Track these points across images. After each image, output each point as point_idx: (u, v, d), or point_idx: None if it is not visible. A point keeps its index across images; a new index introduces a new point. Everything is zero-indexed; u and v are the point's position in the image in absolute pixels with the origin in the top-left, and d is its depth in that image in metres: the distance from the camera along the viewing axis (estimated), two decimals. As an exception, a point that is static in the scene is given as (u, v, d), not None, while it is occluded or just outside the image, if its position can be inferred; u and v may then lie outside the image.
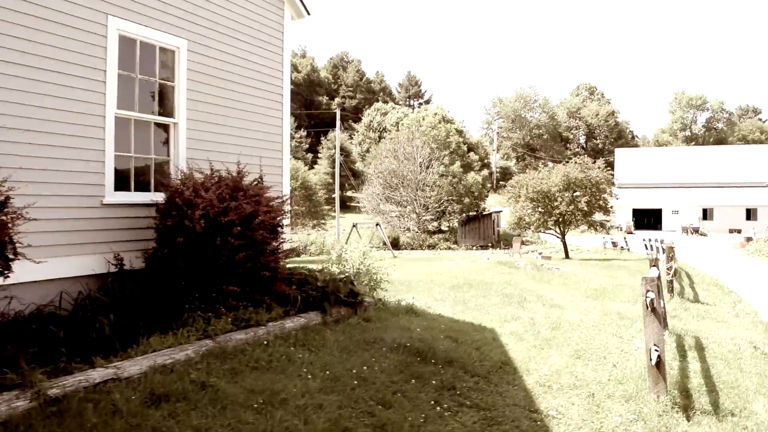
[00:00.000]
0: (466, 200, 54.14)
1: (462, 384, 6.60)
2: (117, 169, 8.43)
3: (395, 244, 54.46)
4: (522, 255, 26.61)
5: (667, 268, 14.46)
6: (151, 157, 9.00)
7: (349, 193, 74.26)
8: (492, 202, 64.50)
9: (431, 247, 53.81)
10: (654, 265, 10.46)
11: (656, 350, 6.82)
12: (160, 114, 9.10)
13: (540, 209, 32.91)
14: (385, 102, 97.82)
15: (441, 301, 12.69)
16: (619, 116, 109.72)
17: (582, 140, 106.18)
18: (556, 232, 34.46)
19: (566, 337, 9.77)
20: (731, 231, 54.42)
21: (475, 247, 53.63)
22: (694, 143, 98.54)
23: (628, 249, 38.61)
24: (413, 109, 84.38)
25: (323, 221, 45.27)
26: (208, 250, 7.56)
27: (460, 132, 62.65)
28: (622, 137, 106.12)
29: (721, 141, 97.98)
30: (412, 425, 5.38)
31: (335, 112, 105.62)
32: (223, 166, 8.73)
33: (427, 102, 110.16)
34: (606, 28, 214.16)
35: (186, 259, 7.62)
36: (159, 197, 8.28)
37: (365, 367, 6.67)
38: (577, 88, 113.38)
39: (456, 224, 58.21)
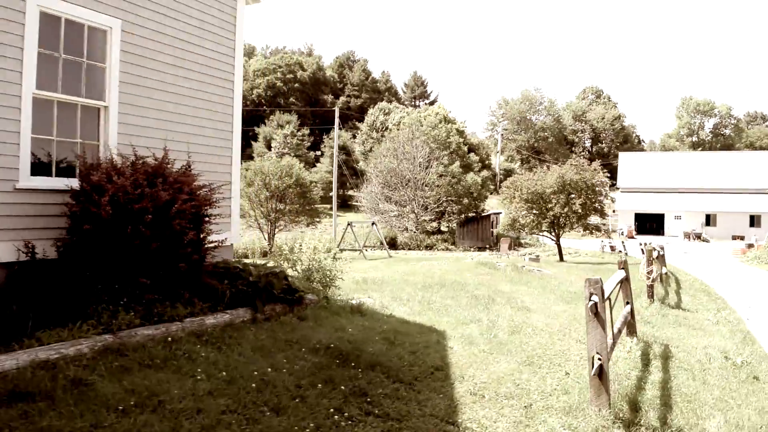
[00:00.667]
0: (465, 201, 53.46)
1: (377, 390, 5.95)
2: (35, 152, 7.84)
3: (393, 244, 53.85)
4: (510, 256, 25.86)
5: (647, 273, 13.74)
6: (77, 141, 8.39)
7: (351, 193, 73.59)
8: (493, 204, 63.71)
9: (429, 247, 53.17)
10: (622, 268, 9.76)
11: (599, 359, 6.15)
12: (88, 97, 8.47)
13: (534, 211, 32.19)
14: (390, 101, 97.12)
15: (404, 302, 12.02)
16: (625, 120, 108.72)
17: (588, 144, 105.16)
18: (550, 234, 33.73)
19: (524, 342, 9.09)
20: (734, 237, 53.46)
21: (473, 249, 52.91)
22: (701, 149, 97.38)
23: (626, 253, 37.75)
24: (418, 109, 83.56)
25: (317, 220, 44.53)
26: (119, 239, 6.94)
27: (461, 132, 61.90)
28: (628, 141, 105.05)
29: (728, 147, 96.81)
30: (298, 437, 4.75)
31: (339, 111, 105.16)
32: (159, 153, 8.12)
33: (433, 103, 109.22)
34: (613, 32, 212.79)
35: (95, 248, 7.01)
36: (76, 183, 7.68)
37: (272, 370, 6.03)
38: (583, 91, 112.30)
39: (455, 225, 57.62)
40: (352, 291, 12.43)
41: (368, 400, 5.68)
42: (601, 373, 6.11)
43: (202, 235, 7.83)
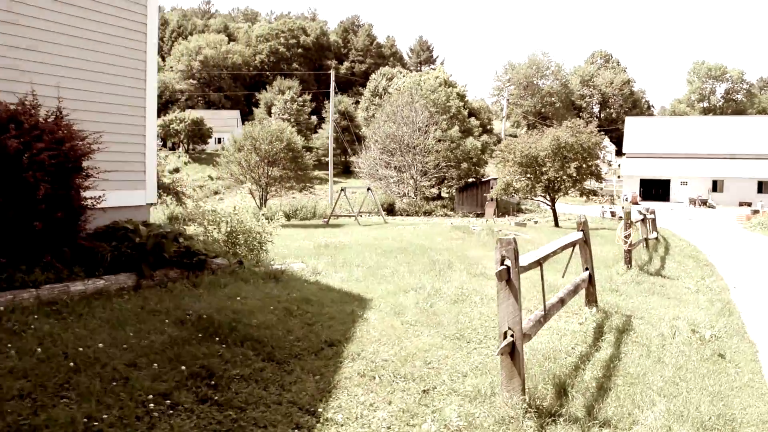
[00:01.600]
0: (464, 166, 52.05)
1: (233, 371, 4.84)
2: None
3: (391, 210, 52.69)
4: (496, 221, 24.63)
5: (624, 237, 12.49)
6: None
7: (353, 159, 72.20)
8: (494, 170, 62.24)
9: (427, 213, 51.99)
10: (581, 230, 8.56)
11: (511, 335, 5.00)
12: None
13: (529, 175, 30.85)
14: (394, 66, 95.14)
15: (350, 267, 10.91)
16: (634, 86, 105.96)
17: (596, 109, 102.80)
18: (546, 199, 32.43)
19: (463, 313, 7.95)
20: (741, 204, 51.81)
21: (471, 214, 51.67)
22: (711, 114, 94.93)
23: (620, 217, 36.40)
24: (419, 73, 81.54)
25: (310, 185, 43.37)
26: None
27: (461, 96, 60.15)
28: (637, 107, 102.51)
29: (740, 113, 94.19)
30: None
31: (342, 77, 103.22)
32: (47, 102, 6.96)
33: (442, 64, 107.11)
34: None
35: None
36: None
37: (111, 345, 4.93)
38: (591, 56, 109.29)
39: (455, 191, 56.32)
40: (292, 256, 11.35)
41: (212, 382, 4.59)
42: (513, 353, 4.96)
43: (74, 192, 6.66)
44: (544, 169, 30.11)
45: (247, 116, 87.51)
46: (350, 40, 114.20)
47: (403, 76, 75.51)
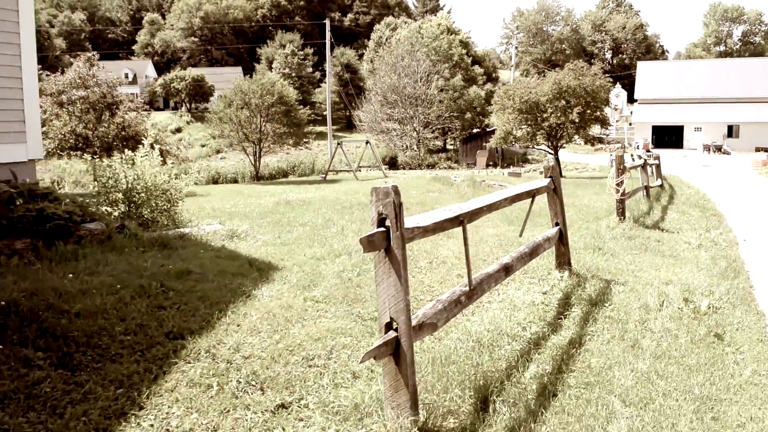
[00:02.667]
0: (468, 116, 49.86)
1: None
2: None
3: (393, 164, 50.95)
4: (489, 172, 22.85)
5: (617, 185, 10.73)
6: None
7: (357, 113, 70.11)
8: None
9: (431, 166, 50.26)
10: (550, 176, 6.87)
11: (394, 329, 3.37)
12: None
13: (529, 122, 28.89)
14: (397, 17, 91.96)
15: (296, 226, 9.38)
16: (648, 30, 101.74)
17: (608, 55, 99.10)
18: (548, 147, 30.53)
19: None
20: (758, 149, 49.37)
21: (476, 166, 49.84)
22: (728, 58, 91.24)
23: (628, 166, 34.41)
24: (420, 20, 78.42)
25: (306, 141, 41.57)
26: None
27: (465, 44, 57.48)
28: (650, 52, 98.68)
29: (758, 56, 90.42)
30: None
31: (346, 29, 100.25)
32: None
33: (448, 12, 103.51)
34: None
35: None
36: None
37: None
38: (603, 0, 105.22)
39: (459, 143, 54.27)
40: (237, 217, 9.79)
41: None
42: (399, 354, 3.35)
43: None
44: (545, 115, 28.17)
45: (249, 73, 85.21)
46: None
47: (407, 25, 72.61)
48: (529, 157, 50.26)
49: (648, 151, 52.10)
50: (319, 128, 70.20)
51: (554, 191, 6.97)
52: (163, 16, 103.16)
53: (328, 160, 44.54)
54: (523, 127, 29.33)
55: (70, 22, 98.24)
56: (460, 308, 4.17)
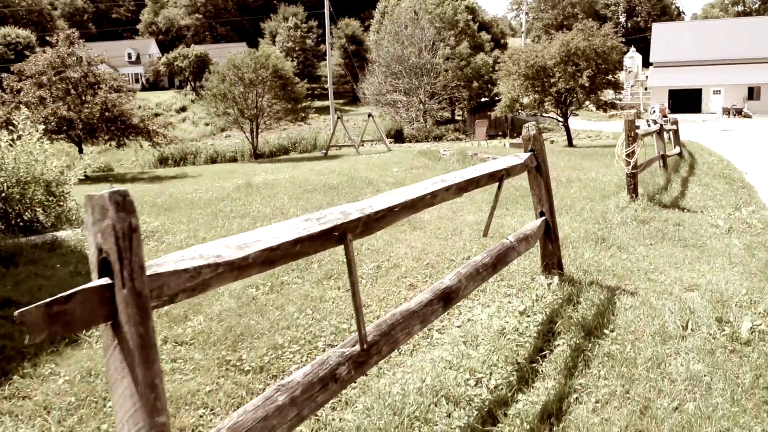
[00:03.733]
0: (475, 85, 47.60)
1: None
2: None
3: (399, 137, 49.05)
4: (489, 143, 20.90)
5: (627, 156, 8.83)
6: None
7: (362, 86, 67.96)
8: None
9: (438, 138, 48.31)
10: (533, 148, 5.06)
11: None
12: None
13: (536, 88, 26.76)
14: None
15: (225, 220, 7.58)
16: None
17: (622, 19, 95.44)
18: (558, 115, 28.42)
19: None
20: (781, 111, 46.82)
21: (486, 137, 47.69)
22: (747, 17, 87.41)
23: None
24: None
25: (304, 115, 39.68)
26: None
27: (471, 9, 54.94)
28: (666, 14, 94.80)
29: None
30: None
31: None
32: None
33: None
34: None
35: None
36: None
37: None
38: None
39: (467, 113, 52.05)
40: (149, 211, 8.04)
41: None
42: None
43: None
44: (552, 80, 26.04)
45: (254, 48, 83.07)
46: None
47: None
48: (541, 125, 48.02)
49: (665, 116, 49.68)
50: (325, 103, 68.19)
51: (537, 170, 5.16)
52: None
53: (330, 135, 42.79)
54: (530, 93, 27.24)
55: (73, 3, 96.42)
56: (329, 397, 2.36)
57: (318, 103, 68.39)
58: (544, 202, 5.21)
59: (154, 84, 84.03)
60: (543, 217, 5.20)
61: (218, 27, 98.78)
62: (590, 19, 29.17)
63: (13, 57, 69.96)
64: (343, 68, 72.89)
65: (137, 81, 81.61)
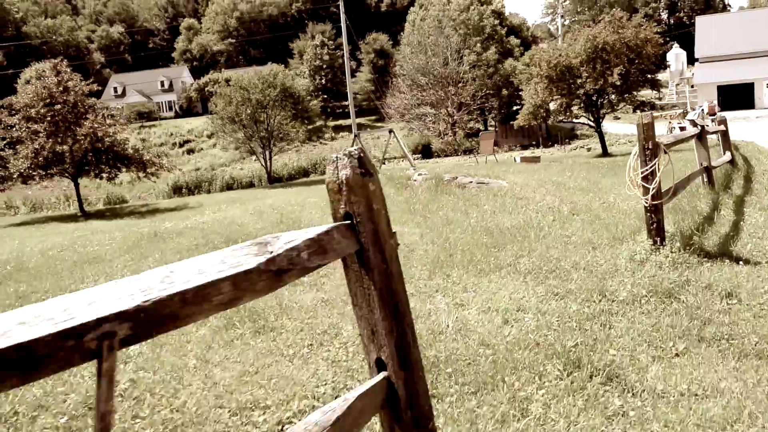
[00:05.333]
0: (505, 93, 44.16)
1: None
2: None
3: (426, 152, 46.11)
4: (497, 158, 17.61)
5: (643, 179, 5.56)
6: None
7: (389, 100, 65.12)
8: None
9: (468, 152, 45.11)
10: (346, 215, 2.04)
11: None
12: None
13: (562, 91, 23.38)
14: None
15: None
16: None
17: (663, 15, 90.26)
18: (589, 119, 24.98)
19: None
20: None
21: (517, 147, 44.22)
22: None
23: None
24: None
25: (320, 135, 37.00)
26: None
27: (499, 14, 51.57)
28: (711, 8, 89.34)
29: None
30: None
31: (381, 11, 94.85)
32: None
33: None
34: None
35: None
36: None
37: None
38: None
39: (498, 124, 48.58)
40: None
41: None
42: None
43: None
44: (579, 81, 22.67)
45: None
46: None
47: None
48: (578, 132, 44.31)
49: (713, 114, 45.26)
50: (359, 120, 65.76)
51: (362, 260, 2.08)
52: (200, 21, 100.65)
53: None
54: (555, 97, 23.88)
55: (109, 36, 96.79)
56: None
57: (349, 121, 65.94)
58: (383, 338, 2.10)
59: (187, 110, 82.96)
60: (383, 375, 2.10)
61: (251, 50, 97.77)
62: (618, 9, 25.56)
63: (46, 91, 69.91)
64: (372, 83, 70.27)
65: (170, 108, 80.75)
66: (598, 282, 4.82)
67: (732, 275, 4.95)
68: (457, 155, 44.56)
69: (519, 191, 9.30)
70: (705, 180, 8.91)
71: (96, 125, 25.11)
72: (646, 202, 5.60)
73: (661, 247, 5.58)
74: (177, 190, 37.77)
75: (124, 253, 7.57)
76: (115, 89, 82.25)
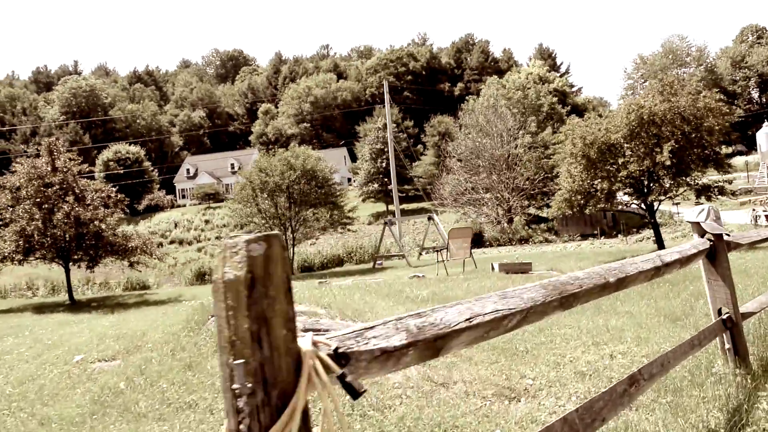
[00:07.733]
0: (563, 176, 39.23)
1: None
2: None
3: (478, 241, 41.28)
4: (477, 265, 13.04)
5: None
6: None
7: (443, 183, 61.11)
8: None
9: (523, 241, 40.17)
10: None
11: None
12: None
13: (601, 173, 18.56)
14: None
15: None
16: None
17: (754, 94, 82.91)
18: (640, 207, 19.98)
19: None
20: None
21: (578, 237, 38.85)
22: None
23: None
24: (509, 73, 68.60)
25: (346, 221, 33.17)
26: None
27: (561, 93, 47.19)
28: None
29: None
30: None
31: (455, 95, 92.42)
32: None
33: (563, 75, 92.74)
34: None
35: None
36: None
37: None
38: (741, 33, 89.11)
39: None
40: None
41: None
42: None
43: None
44: (621, 160, 17.90)
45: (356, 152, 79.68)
46: (463, 59, 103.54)
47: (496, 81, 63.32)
48: (647, 219, 38.44)
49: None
50: (411, 205, 62.07)
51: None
52: (277, 106, 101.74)
53: (394, 241, 36.01)
54: (596, 181, 19.02)
55: (190, 120, 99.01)
56: None
57: (413, 205, 62.36)
58: None
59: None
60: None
61: (323, 134, 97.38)
62: (670, 73, 20.72)
63: (121, 172, 70.58)
64: (435, 166, 66.77)
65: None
66: None
67: None
68: (512, 244, 39.66)
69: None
70: None
71: (79, 209, 22.31)
72: None
73: None
74: (200, 276, 34.86)
75: None
76: (188, 170, 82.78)
